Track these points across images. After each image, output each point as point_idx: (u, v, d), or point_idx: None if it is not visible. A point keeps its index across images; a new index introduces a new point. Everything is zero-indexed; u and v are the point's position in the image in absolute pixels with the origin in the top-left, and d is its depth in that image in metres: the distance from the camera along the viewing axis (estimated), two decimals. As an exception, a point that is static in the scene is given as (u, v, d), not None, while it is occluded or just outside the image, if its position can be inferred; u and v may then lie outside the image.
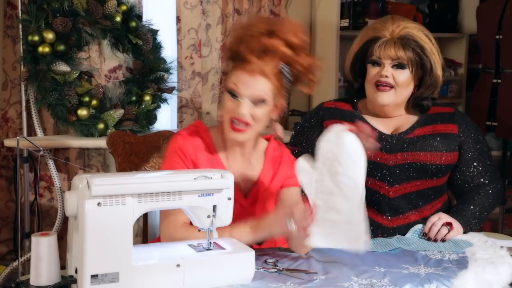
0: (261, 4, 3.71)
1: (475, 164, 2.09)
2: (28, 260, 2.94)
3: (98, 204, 1.37)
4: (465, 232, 1.98)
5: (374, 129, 2.07)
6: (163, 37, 3.35)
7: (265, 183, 1.86)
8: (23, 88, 3.13)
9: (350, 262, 1.69)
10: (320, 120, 2.14)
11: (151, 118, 3.26)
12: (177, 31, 3.47)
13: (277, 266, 1.64)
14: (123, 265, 1.40)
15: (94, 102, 3.10)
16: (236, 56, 1.75)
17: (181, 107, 3.52)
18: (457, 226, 1.95)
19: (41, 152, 3.00)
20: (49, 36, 2.96)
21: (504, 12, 3.52)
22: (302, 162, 1.65)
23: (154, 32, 3.30)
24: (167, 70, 3.33)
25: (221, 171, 1.56)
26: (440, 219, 1.95)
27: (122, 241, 1.40)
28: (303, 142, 2.16)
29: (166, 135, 2.22)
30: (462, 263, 1.68)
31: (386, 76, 2.01)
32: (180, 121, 3.52)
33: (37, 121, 3.15)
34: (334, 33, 3.63)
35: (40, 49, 2.95)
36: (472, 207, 2.04)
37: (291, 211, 1.57)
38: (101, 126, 3.06)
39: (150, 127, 3.26)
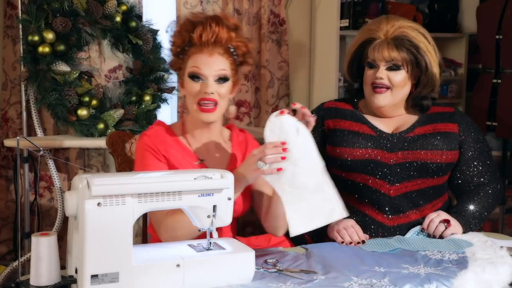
0: (261, 4, 3.71)
1: (475, 163, 2.09)
2: (28, 260, 2.94)
3: (98, 204, 1.37)
4: (465, 232, 1.98)
5: (374, 128, 2.07)
6: (163, 37, 3.35)
7: (236, 166, 1.89)
8: (23, 88, 3.13)
9: (350, 262, 1.69)
10: (321, 120, 2.15)
11: (151, 118, 3.26)
12: (177, 31, 3.47)
13: (277, 266, 1.64)
14: (123, 265, 1.40)
15: (94, 102, 3.10)
16: (185, 47, 1.87)
17: (180, 110, 3.52)
18: (455, 223, 1.96)
19: (41, 152, 3.00)
20: (49, 36, 2.96)
21: (504, 12, 3.52)
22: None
23: (154, 32, 3.30)
24: (167, 70, 3.33)
25: (221, 171, 1.56)
26: (438, 216, 1.96)
27: (122, 241, 1.40)
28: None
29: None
30: (462, 263, 1.68)
31: (381, 78, 2.02)
32: (180, 121, 3.52)
33: (37, 121, 3.15)
34: (334, 33, 3.63)
35: (40, 49, 2.95)
36: (471, 207, 2.04)
37: (262, 151, 1.66)
38: (101, 126, 3.06)
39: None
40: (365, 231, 2.00)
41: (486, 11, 3.68)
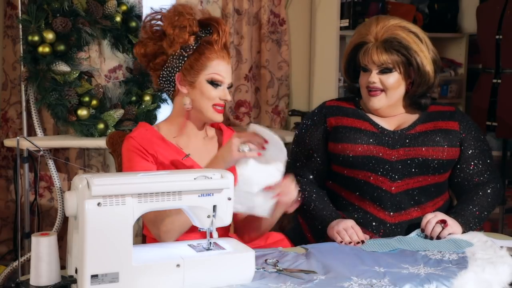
0: (261, 4, 3.71)
1: (475, 161, 2.09)
2: (28, 260, 2.95)
3: (98, 204, 1.37)
4: (464, 232, 1.98)
5: (376, 125, 2.08)
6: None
7: None
8: (23, 88, 3.13)
9: (350, 262, 1.69)
10: (323, 117, 2.15)
11: (151, 118, 3.26)
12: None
13: (277, 266, 1.64)
14: (123, 265, 1.40)
15: (94, 102, 3.10)
16: (197, 43, 1.87)
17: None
18: (452, 223, 1.95)
19: (41, 152, 3.00)
20: (49, 36, 2.96)
21: (504, 12, 3.52)
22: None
23: (154, 32, 3.30)
24: (167, 70, 3.33)
25: (221, 171, 1.56)
26: (435, 216, 1.96)
27: (122, 241, 1.40)
28: (306, 139, 2.17)
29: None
30: (462, 263, 1.68)
31: (374, 82, 2.04)
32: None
33: (37, 121, 3.15)
34: (334, 33, 3.63)
35: (40, 49, 2.95)
36: (471, 206, 2.04)
37: (247, 136, 1.70)
38: (101, 126, 3.06)
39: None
40: (366, 228, 2.00)
41: (486, 11, 3.68)
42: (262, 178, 1.78)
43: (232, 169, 1.80)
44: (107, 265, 1.38)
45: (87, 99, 3.08)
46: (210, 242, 1.56)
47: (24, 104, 3.16)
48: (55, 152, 3.32)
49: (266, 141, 1.73)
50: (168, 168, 1.86)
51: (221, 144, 1.99)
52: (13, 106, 3.32)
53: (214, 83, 1.86)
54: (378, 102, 2.06)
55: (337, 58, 3.58)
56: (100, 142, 2.95)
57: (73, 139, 3.06)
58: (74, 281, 1.40)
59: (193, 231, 1.76)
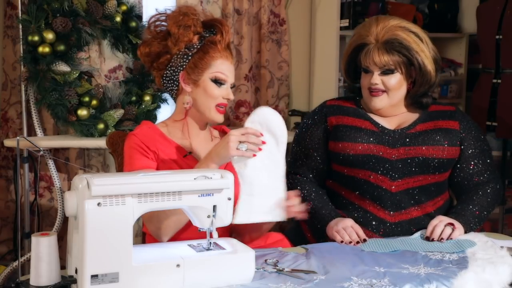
0: (261, 4, 3.71)
1: (475, 161, 2.10)
2: (28, 260, 2.95)
3: (98, 204, 1.37)
4: (465, 232, 1.98)
5: (377, 124, 2.08)
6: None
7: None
8: (23, 88, 3.13)
9: (350, 262, 1.69)
10: (324, 117, 2.15)
11: (151, 118, 3.27)
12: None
13: (277, 266, 1.64)
14: (123, 265, 1.40)
15: (94, 102, 3.10)
16: (201, 43, 1.89)
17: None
18: (458, 225, 1.95)
19: (41, 152, 3.00)
20: (49, 36, 2.96)
21: (504, 12, 3.52)
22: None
23: (154, 32, 3.30)
24: (167, 70, 3.33)
25: (221, 171, 1.56)
26: (441, 221, 1.95)
27: (122, 241, 1.40)
28: (307, 138, 2.17)
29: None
30: (462, 263, 1.68)
31: (376, 84, 2.04)
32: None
33: (37, 121, 3.15)
34: (334, 33, 3.63)
35: (40, 49, 2.95)
36: (471, 206, 2.04)
37: (244, 134, 1.70)
38: (101, 126, 3.06)
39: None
40: (366, 228, 2.00)
41: (486, 11, 3.68)
42: (268, 175, 1.75)
43: (229, 167, 1.81)
44: (107, 265, 1.38)
45: (87, 99, 3.08)
46: (210, 242, 1.56)
47: (24, 104, 3.16)
48: (55, 152, 3.33)
49: (263, 142, 1.71)
50: (169, 165, 1.86)
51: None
52: (13, 106, 3.32)
53: (217, 81, 1.89)
54: (380, 102, 2.07)
55: (337, 58, 3.58)
56: (100, 142, 2.95)
57: (73, 139, 3.06)
58: (74, 281, 1.40)
59: (190, 228, 1.77)
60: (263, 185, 1.74)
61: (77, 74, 3.06)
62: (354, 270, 1.62)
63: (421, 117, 2.11)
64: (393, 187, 2.03)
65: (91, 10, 3.05)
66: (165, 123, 1.99)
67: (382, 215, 2.03)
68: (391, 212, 2.03)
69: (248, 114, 3.71)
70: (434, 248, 1.84)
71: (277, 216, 1.75)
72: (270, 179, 1.74)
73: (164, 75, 1.94)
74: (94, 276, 1.37)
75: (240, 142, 1.69)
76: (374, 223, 2.03)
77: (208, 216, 1.54)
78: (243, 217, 1.71)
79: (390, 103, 2.08)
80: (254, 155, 1.71)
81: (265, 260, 1.68)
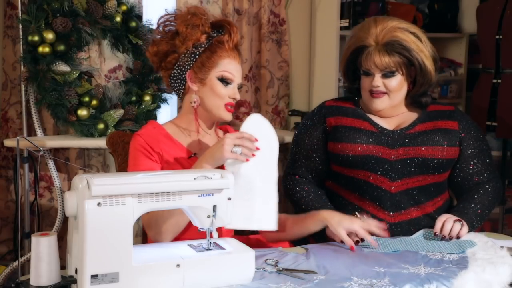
0: (261, 4, 3.71)
1: (475, 161, 2.10)
2: (28, 260, 2.95)
3: (98, 204, 1.37)
4: (468, 231, 1.98)
5: (376, 125, 2.08)
6: (163, 37, 3.34)
7: None
8: (23, 88, 3.13)
9: (350, 262, 1.69)
10: (323, 117, 2.15)
11: (151, 118, 3.26)
12: (177, 31, 3.47)
13: (277, 266, 1.64)
14: (123, 265, 1.40)
15: (94, 102, 3.10)
16: (209, 43, 1.90)
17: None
18: (464, 223, 1.95)
19: (41, 152, 3.00)
20: (49, 36, 2.96)
21: (504, 12, 3.52)
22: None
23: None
24: (167, 70, 3.33)
25: (221, 171, 1.57)
26: (450, 217, 1.94)
27: (122, 241, 1.40)
28: (306, 139, 2.17)
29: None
30: (462, 263, 1.68)
31: (378, 86, 2.04)
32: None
33: (37, 121, 3.15)
34: (334, 33, 3.63)
35: (40, 49, 2.95)
36: (472, 205, 2.04)
37: (239, 138, 1.72)
38: (101, 126, 3.06)
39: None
40: (366, 228, 2.00)
41: (486, 11, 3.68)
42: (262, 180, 1.78)
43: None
44: (107, 265, 1.38)
45: (87, 99, 3.08)
46: (210, 242, 1.56)
47: (24, 104, 3.16)
48: (55, 152, 3.33)
49: (257, 148, 1.74)
50: (173, 166, 1.87)
51: None
52: (13, 106, 3.32)
53: (224, 80, 1.89)
54: (381, 103, 2.07)
55: (337, 58, 3.59)
56: (100, 142, 2.95)
57: (73, 139, 3.06)
58: (74, 281, 1.40)
59: (190, 230, 1.78)
60: (256, 192, 1.77)
61: (77, 74, 3.06)
62: (354, 270, 1.62)
63: (420, 118, 2.11)
64: (393, 187, 2.03)
65: (91, 10, 3.05)
66: (172, 122, 1.99)
67: (381, 216, 2.03)
68: (391, 213, 2.03)
69: (248, 114, 3.71)
70: (434, 248, 1.84)
71: (268, 225, 1.78)
72: (263, 185, 1.78)
73: (172, 74, 1.95)
74: (94, 276, 1.37)
75: (235, 145, 1.71)
76: (374, 223, 2.03)
77: (208, 216, 1.54)
78: (237, 224, 1.73)
79: (391, 104, 2.08)
80: (248, 160, 1.74)
81: (265, 260, 1.68)
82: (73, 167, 3.26)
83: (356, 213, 1.97)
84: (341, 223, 1.84)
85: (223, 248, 1.55)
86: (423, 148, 2.03)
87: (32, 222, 3.26)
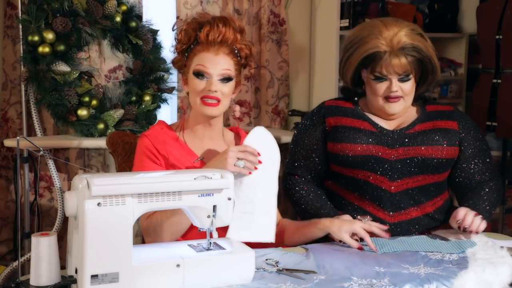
0: (261, 4, 3.71)
1: (475, 161, 2.10)
2: (28, 260, 2.95)
3: (98, 204, 1.37)
4: None
5: (375, 125, 2.08)
6: (163, 37, 3.35)
7: None
8: (23, 88, 3.13)
9: (350, 262, 1.69)
10: (322, 118, 2.15)
11: (151, 118, 3.27)
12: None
13: (277, 266, 1.64)
14: (123, 265, 1.40)
15: (94, 102, 3.10)
16: (190, 46, 1.89)
17: (181, 107, 3.53)
18: (483, 219, 1.92)
19: (41, 152, 3.00)
20: (49, 36, 2.96)
21: (504, 12, 3.52)
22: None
23: (154, 32, 3.31)
24: (167, 70, 3.34)
25: (221, 171, 1.57)
26: (469, 211, 1.90)
27: (122, 241, 1.40)
28: (305, 139, 2.17)
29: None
30: (462, 263, 1.68)
31: (396, 91, 2.03)
32: (180, 121, 3.52)
33: (37, 121, 3.15)
34: (334, 33, 3.63)
35: (40, 49, 2.95)
36: (481, 202, 2.02)
37: (242, 152, 1.73)
38: (101, 126, 3.06)
39: (150, 127, 3.26)
40: (365, 228, 2.00)
41: (486, 11, 3.68)
42: (263, 194, 1.81)
43: None
44: (107, 265, 1.38)
45: (87, 99, 3.08)
46: (210, 242, 1.56)
47: (24, 104, 3.16)
48: (55, 152, 3.33)
49: (260, 161, 1.77)
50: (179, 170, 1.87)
51: None
52: (13, 106, 3.32)
53: (199, 74, 1.85)
54: (398, 107, 2.06)
55: (337, 58, 3.59)
56: (100, 142, 2.96)
57: (73, 139, 3.06)
58: (74, 281, 1.40)
59: (190, 233, 1.78)
60: (256, 204, 1.80)
61: (77, 74, 3.06)
62: (354, 270, 1.62)
63: (420, 117, 2.11)
64: (393, 187, 2.03)
65: (91, 10, 3.05)
66: (180, 124, 1.99)
67: (381, 216, 2.03)
68: (391, 213, 2.03)
69: (248, 114, 3.72)
70: (434, 248, 1.84)
71: (267, 237, 1.81)
72: (264, 198, 1.80)
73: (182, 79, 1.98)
74: (94, 276, 1.37)
75: (238, 159, 1.73)
76: (373, 223, 2.03)
77: (208, 216, 1.54)
78: (235, 234, 1.75)
79: (405, 107, 2.08)
80: (250, 173, 1.76)
81: (265, 260, 1.68)
82: (73, 167, 3.26)
83: (359, 216, 1.97)
84: (342, 228, 1.84)
85: (223, 248, 1.55)
86: (422, 148, 2.03)
87: (32, 222, 3.26)
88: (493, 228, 3.69)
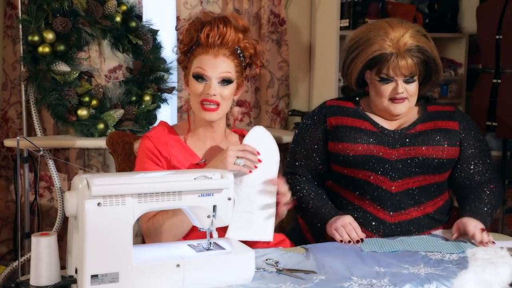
0: (261, 4, 3.71)
1: (475, 161, 2.10)
2: (28, 260, 2.95)
3: (98, 204, 1.37)
4: None
5: (376, 124, 2.08)
6: (163, 37, 3.35)
7: None
8: (23, 88, 3.13)
9: (350, 262, 1.69)
10: (323, 117, 2.15)
11: (151, 118, 3.27)
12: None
13: (277, 266, 1.64)
14: (123, 265, 1.40)
15: (94, 102, 3.10)
16: (192, 46, 1.87)
17: (181, 107, 3.53)
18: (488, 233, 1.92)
19: (41, 152, 3.00)
20: (49, 36, 2.96)
21: (504, 12, 3.52)
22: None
23: (154, 32, 3.30)
24: (167, 70, 3.33)
25: (221, 171, 1.57)
26: (476, 226, 1.89)
27: (122, 241, 1.40)
28: (306, 139, 2.17)
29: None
30: (462, 263, 1.69)
31: (402, 92, 2.03)
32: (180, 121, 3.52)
33: (37, 121, 3.15)
34: (334, 33, 3.63)
35: (40, 49, 2.95)
36: (483, 205, 2.02)
37: (242, 151, 1.74)
38: (101, 126, 3.06)
39: (150, 127, 3.26)
40: (366, 228, 2.00)
41: (486, 11, 3.68)
42: (262, 193, 1.81)
43: None
44: (107, 265, 1.38)
45: (87, 99, 3.08)
46: (210, 242, 1.56)
47: (24, 104, 3.16)
48: (55, 152, 3.33)
49: (259, 160, 1.77)
50: None
51: None
52: (13, 106, 3.32)
53: (198, 77, 1.84)
54: (403, 108, 2.06)
55: (337, 58, 3.59)
56: (100, 142, 2.95)
57: (73, 139, 3.06)
58: (74, 281, 1.40)
59: (190, 235, 1.78)
60: (256, 204, 1.80)
61: (77, 74, 3.06)
62: (354, 270, 1.62)
63: (420, 118, 2.11)
64: (393, 187, 2.03)
65: (91, 10, 3.05)
66: (180, 125, 1.99)
67: (382, 216, 2.03)
68: (391, 213, 2.03)
69: (248, 114, 3.72)
70: (434, 248, 1.84)
71: (266, 236, 1.82)
72: (263, 197, 1.81)
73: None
74: (94, 276, 1.37)
75: (238, 157, 1.74)
76: (374, 223, 2.03)
77: (208, 216, 1.54)
78: (234, 234, 1.75)
79: (409, 107, 2.09)
80: (250, 171, 1.77)
81: (265, 260, 1.68)
82: (73, 167, 3.26)
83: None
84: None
85: (223, 248, 1.55)
86: (423, 148, 2.03)
87: (32, 222, 3.26)
88: (493, 228, 3.69)
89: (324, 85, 3.77)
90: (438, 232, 2.03)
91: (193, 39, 1.87)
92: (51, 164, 3.11)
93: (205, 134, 1.92)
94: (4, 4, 3.26)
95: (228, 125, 2.01)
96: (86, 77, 3.15)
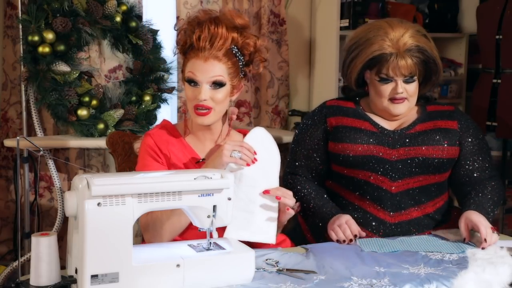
0: (261, 4, 3.71)
1: (474, 157, 2.10)
2: (28, 260, 2.95)
3: (98, 204, 1.37)
4: None
5: (376, 125, 2.08)
6: (163, 37, 3.35)
7: None
8: (23, 88, 3.13)
9: (350, 262, 1.69)
10: (323, 117, 2.15)
11: (151, 118, 3.27)
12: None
13: (277, 266, 1.64)
14: (123, 265, 1.40)
15: (94, 102, 3.10)
16: (188, 47, 1.85)
17: (181, 107, 3.53)
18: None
19: (41, 152, 3.00)
20: (49, 36, 2.96)
21: (504, 12, 3.52)
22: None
23: (154, 32, 3.30)
24: (167, 70, 3.33)
25: (221, 171, 1.57)
26: (488, 225, 1.87)
27: (122, 241, 1.40)
28: (306, 139, 2.17)
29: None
30: (462, 263, 1.69)
31: (402, 92, 2.03)
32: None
33: (37, 121, 3.15)
34: (334, 33, 3.63)
35: (40, 49, 2.95)
36: (485, 201, 2.01)
37: (239, 145, 1.74)
38: (101, 126, 3.06)
39: (150, 127, 3.27)
40: (366, 228, 2.00)
41: (486, 11, 3.68)
42: (256, 196, 1.81)
43: None
44: (107, 265, 1.38)
45: (87, 99, 3.08)
46: (210, 242, 1.56)
47: (24, 104, 3.16)
48: (55, 152, 3.32)
49: (255, 159, 1.78)
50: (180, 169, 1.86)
51: None
52: (13, 106, 3.32)
53: (190, 81, 1.83)
54: (403, 107, 2.06)
55: (337, 58, 3.59)
56: (100, 142, 2.95)
57: (73, 139, 3.06)
58: (74, 281, 1.40)
59: (189, 231, 1.78)
60: (257, 204, 1.80)
61: (77, 74, 3.06)
62: (354, 270, 1.62)
63: (420, 117, 2.11)
64: (393, 187, 2.03)
65: (91, 10, 3.05)
66: (181, 124, 1.98)
67: (382, 216, 2.03)
68: (391, 213, 2.03)
69: (248, 114, 3.71)
70: (434, 248, 1.84)
71: (267, 237, 1.81)
72: (264, 198, 1.81)
73: None
74: (94, 276, 1.37)
75: (234, 150, 1.74)
76: (374, 223, 2.03)
77: (208, 216, 1.54)
78: (233, 233, 1.75)
79: (409, 107, 2.09)
80: (248, 165, 1.76)
81: (265, 260, 1.68)
82: (73, 167, 3.26)
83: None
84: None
85: (223, 248, 1.55)
86: (423, 148, 2.03)
87: (32, 222, 3.26)
88: (493, 228, 3.69)
89: (324, 85, 3.77)
90: (438, 232, 2.03)
91: (187, 41, 1.85)
92: (51, 164, 3.11)
93: (204, 136, 1.93)
94: (4, 4, 3.26)
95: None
96: (86, 77, 3.15)
